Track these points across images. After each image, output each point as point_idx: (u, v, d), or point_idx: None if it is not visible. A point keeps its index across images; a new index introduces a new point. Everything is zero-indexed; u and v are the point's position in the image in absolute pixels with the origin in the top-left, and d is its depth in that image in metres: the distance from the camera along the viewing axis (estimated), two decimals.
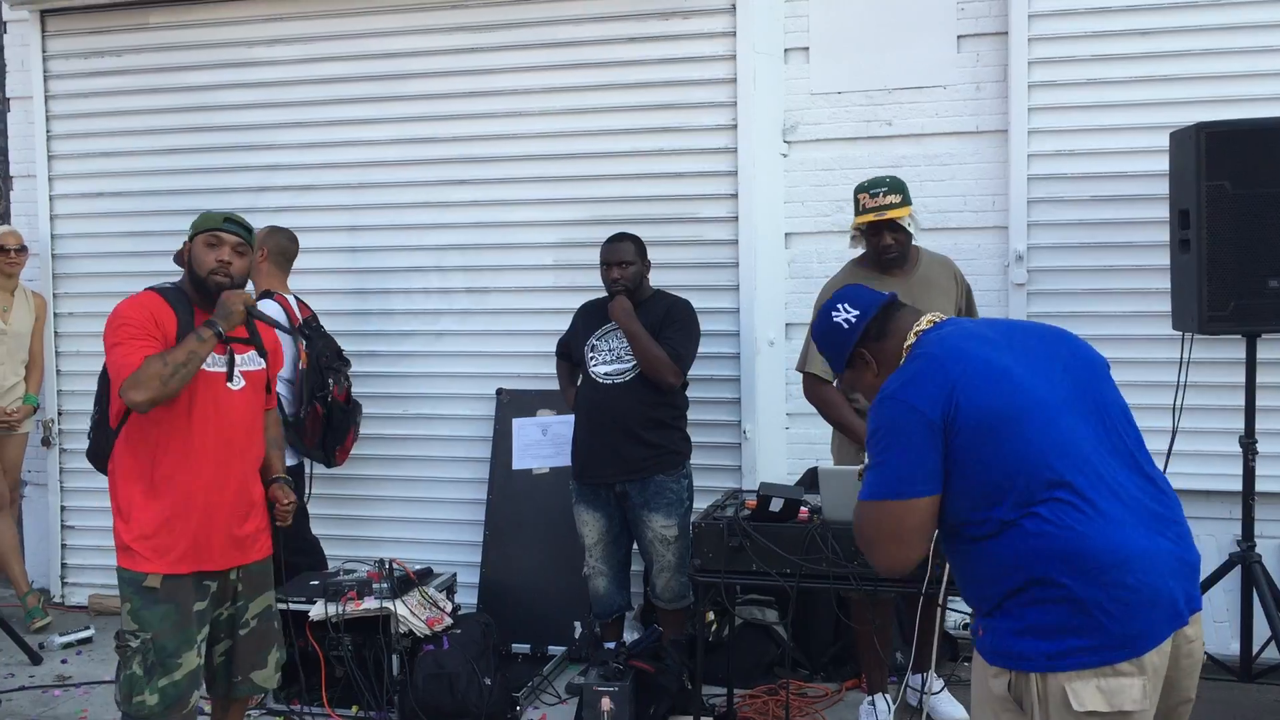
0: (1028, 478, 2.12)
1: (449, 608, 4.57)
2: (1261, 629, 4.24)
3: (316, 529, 5.04)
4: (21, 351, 5.68)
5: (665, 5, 5.19)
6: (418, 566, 4.66)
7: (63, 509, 6.07)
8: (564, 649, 5.01)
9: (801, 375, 4.24)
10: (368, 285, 5.62)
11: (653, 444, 4.43)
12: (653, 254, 4.66)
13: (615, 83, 5.27)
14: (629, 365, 4.46)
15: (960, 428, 2.14)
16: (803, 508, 3.69)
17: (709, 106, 5.18)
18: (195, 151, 5.79)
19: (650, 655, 4.24)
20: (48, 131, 6.01)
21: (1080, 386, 2.25)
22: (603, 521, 4.54)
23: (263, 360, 3.50)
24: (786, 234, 5.27)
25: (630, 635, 4.73)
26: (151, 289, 3.38)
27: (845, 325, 2.43)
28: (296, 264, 5.01)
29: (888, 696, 4.19)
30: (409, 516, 5.60)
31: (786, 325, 5.26)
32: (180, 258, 3.43)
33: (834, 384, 4.14)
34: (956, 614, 4.07)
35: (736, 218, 5.13)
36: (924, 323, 2.37)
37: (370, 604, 4.30)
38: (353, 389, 4.99)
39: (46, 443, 6.01)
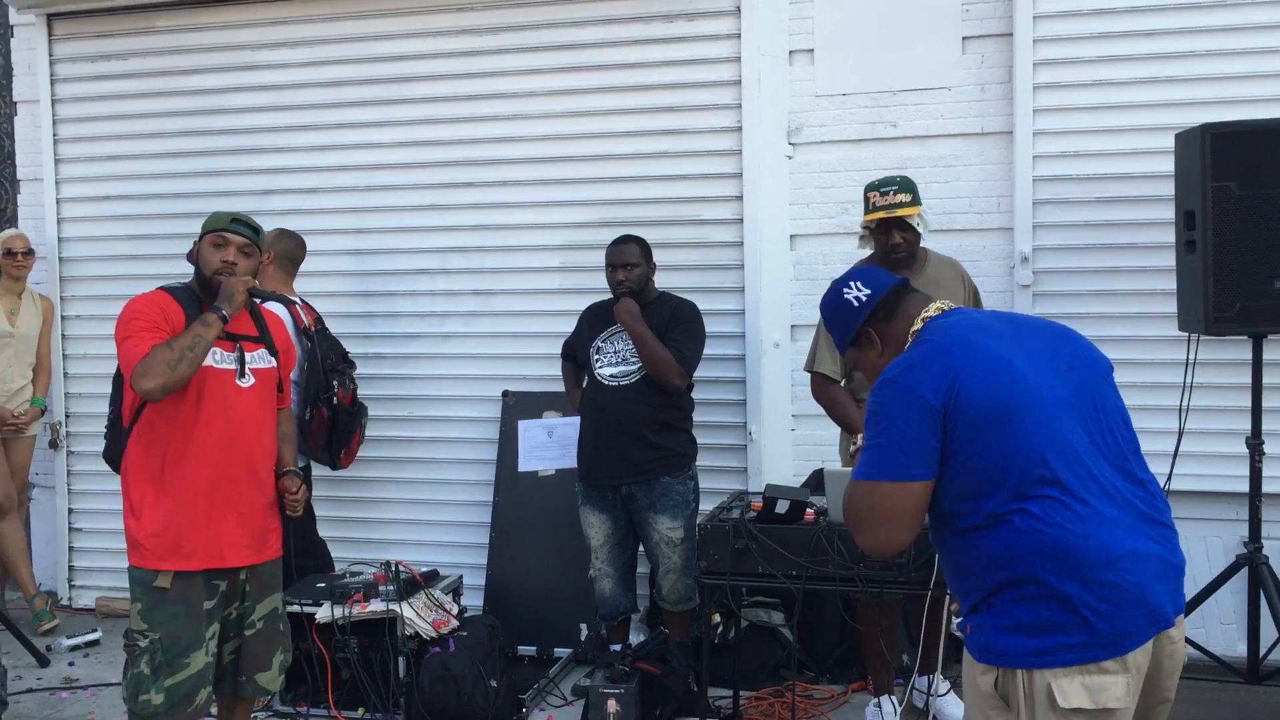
0: (1021, 472, 2.13)
1: (455, 610, 4.57)
2: (1269, 631, 4.23)
3: (323, 531, 5.05)
4: (29, 354, 5.69)
5: (670, 8, 5.20)
6: (424, 569, 4.66)
7: (70, 511, 6.09)
8: (570, 651, 5.02)
9: (809, 375, 4.24)
10: (373, 287, 5.63)
11: (658, 446, 4.43)
12: (658, 256, 4.66)
13: (620, 85, 5.27)
14: (634, 367, 4.46)
15: (959, 417, 2.15)
16: (808, 510, 3.69)
17: (714, 109, 5.18)
18: (201, 154, 5.81)
19: (656, 657, 4.24)
20: (54, 135, 6.03)
21: (1081, 386, 2.25)
22: (608, 523, 4.55)
23: (274, 359, 3.51)
24: (791, 236, 5.26)
25: (636, 637, 4.73)
26: (161, 288, 3.43)
27: (855, 303, 2.45)
28: (302, 266, 5.03)
29: (894, 698, 4.19)
30: (415, 519, 5.61)
31: (792, 327, 5.26)
32: (192, 255, 3.46)
33: (841, 384, 4.15)
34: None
35: (741, 220, 5.14)
36: (932, 310, 2.38)
37: (376, 606, 4.31)
38: (358, 391, 5.00)
39: (54, 445, 6.03)
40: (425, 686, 4.22)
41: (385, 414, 5.48)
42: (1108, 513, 2.14)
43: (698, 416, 4.68)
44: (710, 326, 4.66)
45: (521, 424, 5.25)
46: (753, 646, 4.67)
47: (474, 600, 5.15)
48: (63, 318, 6.02)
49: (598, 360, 4.56)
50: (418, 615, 4.34)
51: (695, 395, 4.66)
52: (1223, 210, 4.04)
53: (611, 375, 4.50)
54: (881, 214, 4.02)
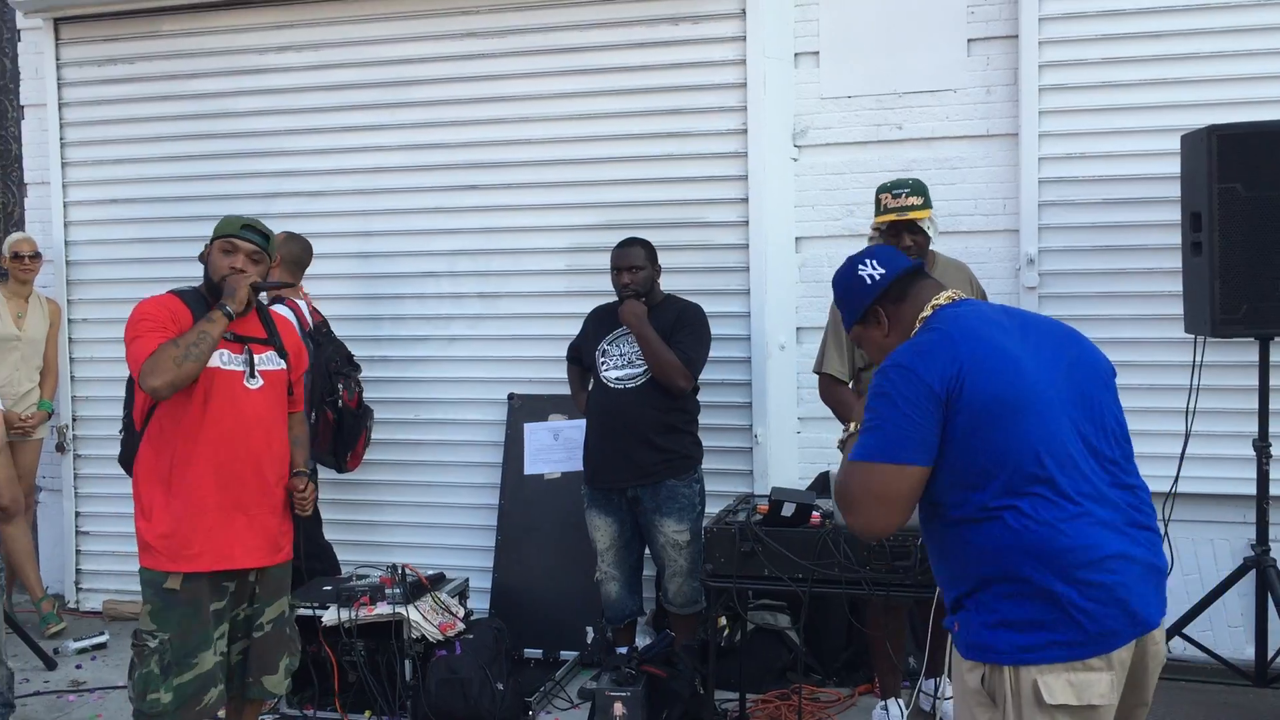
0: (1015, 468, 2.15)
1: (461, 613, 4.58)
2: (1276, 633, 4.23)
3: (329, 534, 5.06)
4: (36, 358, 5.71)
5: (675, 10, 5.20)
6: (430, 572, 4.67)
7: (77, 515, 6.10)
8: (576, 654, 5.02)
9: (817, 377, 4.23)
10: (379, 290, 5.64)
11: (664, 449, 4.43)
12: (663, 258, 4.66)
13: (625, 88, 5.28)
14: (640, 370, 4.46)
15: (961, 407, 2.17)
16: (815, 512, 3.69)
17: (719, 111, 5.18)
18: (207, 158, 5.82)
19: (662, 660, 4.24)
20: (61, 139, 6.05)
21: (1080, 388, 2.27)
22: (615, 526, 4.55)
23: (283, 361, 3.52)
24: (797, 238, 5.26)
25: (642, 640, 4.73)
26: (171, 291, 3.45)
27: (869, 280, 2.46)
28: (308, 269, 5.03)
29: (901, 701, 4.19)
30: (421, 522, 5.62)
31: (797, 329, 5.25)
32: (204, 256, 3.48)
33: (849, 386, 4.14)
34: None
35: (747, 222, 5.14)
36: (943, 298, 2.39)
37: (383, 609, 4.31)
38: (364, 394, 5.01)
39: (61, 448, 6.04)
40: (431, 689, 4.23)
41: (391, 417, 5.48)
42: (1097, 514, 2.16)
43: (703, 419, 4.68)
44: (715, 329, 4.66)
45: (527, 427, 5.25)
46: (759, 649, 4.67)
47: (480, 603, 5.16)
48: (69, 321, 6.04)
49: (603, 363, 4.56)
50: (424, 618, 4.35)
51: (701, 398, 4.66)
52: (1229, 212, 4.03)
53: (617, 378, 4.50)
54: (893, 216, 4.02)
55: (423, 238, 5.57)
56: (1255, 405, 4.26)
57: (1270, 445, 4.25)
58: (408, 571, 4.47)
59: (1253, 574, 4.27)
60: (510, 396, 5.42)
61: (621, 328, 4.52)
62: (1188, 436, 4.27)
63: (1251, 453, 4.28)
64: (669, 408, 4.46)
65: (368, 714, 4.35)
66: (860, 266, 2.48)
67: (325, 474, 4.92)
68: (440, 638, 4.36)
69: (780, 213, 5.18)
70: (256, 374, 3.41)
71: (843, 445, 2.32)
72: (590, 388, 4.67)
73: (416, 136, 5.55)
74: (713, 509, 4.41)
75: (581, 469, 4.66)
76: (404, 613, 4.30)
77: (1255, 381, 4.27)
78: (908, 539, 3.50)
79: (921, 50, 5.04)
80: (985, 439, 2.16)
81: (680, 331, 4.47)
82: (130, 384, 3.41)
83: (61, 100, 6.04)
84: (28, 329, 5.66)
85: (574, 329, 4.85)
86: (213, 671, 3.33)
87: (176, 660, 3.27)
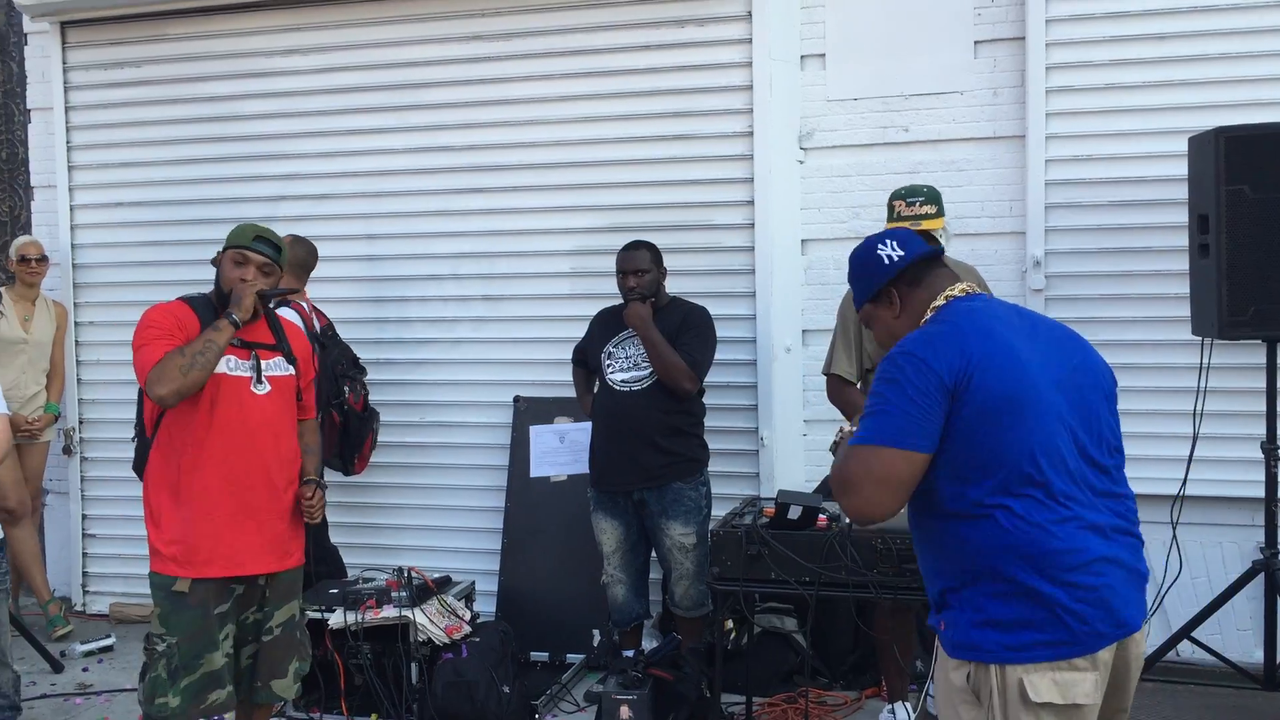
0: (1011, 468, 2.17)
1: (467, 616, 4.58)
2: None
3: (335, 538, 5.06)
4: (43, 360, 5.72)
5: (681, 13, 5.20)
6: (436, 575, 4.67)
7: (84, 518, 6.11)
8: (582, 657, 5.02)
9: (826, 378, 4.22)
10: (385, 293, 5.64)
11: (670, 451, 4.42)
12: (669, 261, 4.66)
13: (631, 90, 5.28)
14: (646, 372, 4.46)
15: (968, 400, 2.18)
16: (821, 515, 3.68)
17: (725, 114, 5.18)
18: (213, 161, 5.83)
19: (669, 663, 4.24)
20: (68, 142, 6.07)
21: (1081, 395, 2.29)
22: (621, 529, 4.54)
23: (291, 367, 3.52)
24: (803, 240, 5.25)
25: (648, 643, 4.73)
26: (180, 298, 3.46)
27: (887, 260, 2.46)
28: (314, 272, 5.04)
29: (908, 705, 4.17)
30: (427, 525, 5.62)
31: (803, 332, 5.25)
32: (217, 261, 3.49)
33: (857, 386, 4.14)
34: None
35: (752, 224, 5.13)
36: (958, 290, 2.40)
37: (389, 612, 4.31)
38: (370, 397, 5.02)
39: (68, 451, 6.05)
40: (438, 692, 4.23)
41: (397, 420, 5.48)
42: (1087, 519, 2.20)
43: (709, 422, 4.67)
44: (721, 331, 4.66)
45: (533, 429, 5.25)
46: (766, 652, 4.66)
47: (486, 606, 5.15)
48: (76, 324, 6.05)
49: (609, 365, 4.55)
50: (430, 621, 4.35)
51: (707, 401, 4.65)
52: (1236, 214, 4.02)
53: (623, 380, 4.50)
54: (906, 224, 4.00)
55: (428, 240, 5.57)
56: (1263, 408, 4.25)
57: (1278, 448, 4.23)
58: (414, 574, 4.47)
59: (1261, 577, 4.26)
60: (516, 399, 5.42)
61: (627, 330, 4.52)
62: (1195, 439, 4.25)
63: (1260, 455, 4.26)
64: (675, 410, 4.45)
65: (374, 717, 4.35)
66: (880, 246, 2.49)
67: (331, 476, 4.92)
68: (446, 641, 4.36)
69: (786, 215, 5.18)
70: (263, 379, 3.41)
71: (835, 449, 2.32)
72: (596, 390, 4.67)
73: (422, 139, 5.55)
74: (719, 512, 4.39)
75: (587, 472, 4.66)
76: (410, 616, 4.30)
77: (1263, 384, 4.26)
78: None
79: (928, 52, 5.04)
80: (986, 435, 2.18)
81: (686, 334, 4.47)
82: (141, 390, 3.42)
83: (68, 104, 6.05)
84: (34, 332, 5.67)
85: (579, 331, 4.84)
86: (218, 672, 3.33)
87: (184, 664, 3.28)
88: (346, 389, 4.83)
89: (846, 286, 4.29)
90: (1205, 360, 4.25)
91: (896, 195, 4.09)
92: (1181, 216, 4.43)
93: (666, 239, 4.82)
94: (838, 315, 4.22)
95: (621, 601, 4.61)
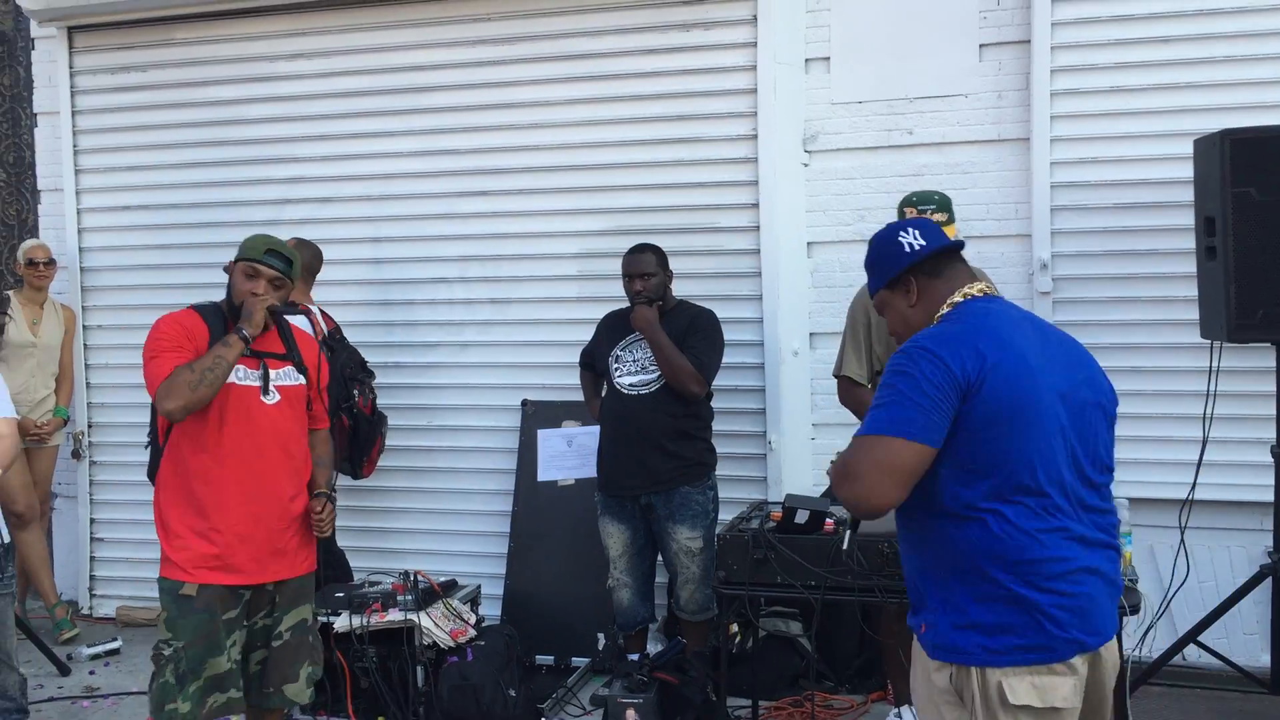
0: (1008, 475, 2.19)
1: (473, 619, 4.58)
2: None
3: (342, 541, 5.07)
4: (51, 364, 5.73)
5: (686, 17, 5.20)
6: (442, 578, 4.67)
7: (92, 521, 6.12)
8: (588, 661, 5.01)
9: (836, 380, 4.21)
10: (391, 296, 5.65)
11: (678, 455, 4.42)
12: (675, 264, 4.65)
13: (636, 94, 5.28)
14: (654, 376, 4.45)
15: (977, 401, 2.19)
16: (828, 519, 3.68)
17: (730, 117, 5.18)
18: (219, 165, 5.84)
19: (674, 667, 4.23)
20: (75, 146, 6.08)
21: (1082, 411, 2.30)
22: (627, 533, 4.54)
23: (302, 376, 3.52)
24: (809, 243, 5.25)
25: (654, 647, 4.72)
26: (191, 306, 3.46)
27: (908, 248, 2.45)
28: (320, 276, 5.05)
29: (914, 709, 4.15)
30: (434, 528, 5.62)
31: (811, 335, 5.25)
32: (229, 269, 3.49)
33: (869, 388, 4.13)
34: None
35: (758, 227, 5.13)
36: (976, 289, 2.40)
37: (394, 616, 4.32)
38: (378, 400, 5.02)
39: (76, 455, 6.06)
40: (444, 696, 4.23)
41: (404, 423, 5.49)
42: (1073, 530, 2.23)
43: (717, 426, 4.67)
44: (729, 335, 4.65)
45: (541, 433, 5.24)
46: (771, 656, 4.66)
47: (492, 609, 5.15)
48: (84, 327, 6.07)
49: (617, 369, 4.55)
50: (435, 625, 4.35)
51: (714, 404, 4.65)
52: (1243, 216, 4.01)
53: (631, 384, 4.50)
54: None
55: (434, 244, 5.58)
56: (1273, 411, 4.23)
57: None
58: (420, 578, 4.47)
59: (1269, 581, 4.24)
60: (523, 403, 5.42)
61: (634, 334, 4.51)
62: (1204, 443, 4.24)
63: (1269, 459, 4.25)
64: (682, 414, 4.45)
65: None
66: (902, 234, 2.48)
67: (340, 480, 4.92)
68: (452, 644, 4.36)
69: (791, 218, 5.18)
70: (272, 389, 3.41)
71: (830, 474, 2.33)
72: (604, 394, 4.67)
73: (428, 143, 5.56)
74: (726, 516, 4.40)
75: (595, 475, 4.66)
76: (416, 619, 4.30)
77: (1273, 387, 4.24)
78: None
79: (932, 55, 5.03)
80: (989, 440, 2.19)
81: (693, 337, 4.46)
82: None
83: (75, 108, 6.07)
84: (43, 335, 5.69)
85: (587, 335, 4.84)
86: (223, 676, 3.33)
87: (191, 669, 3.28)
88: (356, 392, 4.84)
89: (853, 289, 4.33)
90: (1214, 364, 4.24)
91: (908, 201, 4.09)
92: (1188, 219, 4.42)
93: (672, 242, 4.82)
94: (847, 317, 4.21)
95: (627, 605, 4.60)
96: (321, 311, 4.90)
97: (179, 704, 3.27)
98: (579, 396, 4.92)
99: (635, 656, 4.49)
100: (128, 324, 5.84)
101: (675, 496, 4.41)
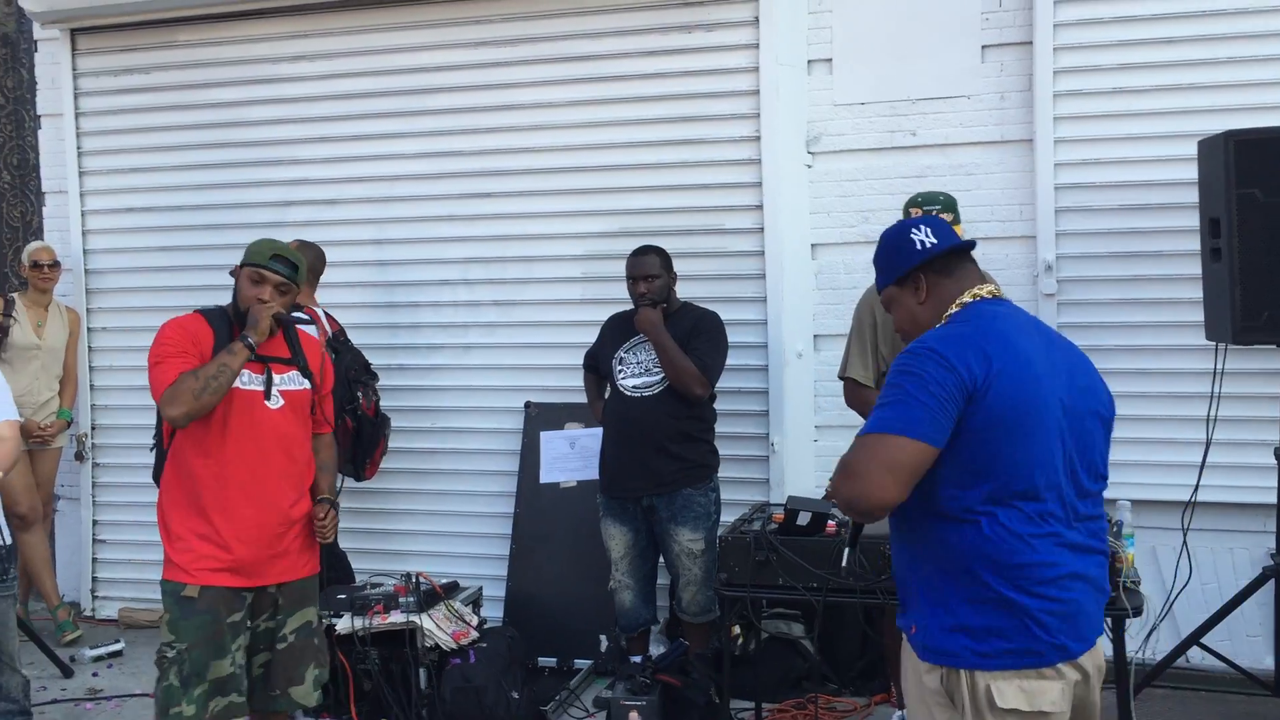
0: (1006, 479, 2.20)
1: (475, 621, 4.57)
2: None
3: (344, 543, 5.06)
4: (56, 366, 5.74)
5: (688, 19, 5.20)
6: (444, 580, 4.67)
7: (95, 523, 6.13)
8: (590, 663, 5.01)
9: (842, 382, 4.20)
10: (395, 299, 5.65)
11: (681, 457, 4.42)
12: (678, 266, 4.65)
13: (639, 96, 5.28)
14: (657, 378, 4.45)
15: (983, 404, 2.19)
16: (830, 521, 3.67)
17: (733, 118, 5.18)
18: (222, 166, 5.85)
19: (677, 669, 4.23)
20: (78, 148, 6.09)
21: (1081, 419, 2.31)
22: (629, 535, 4.54)
23: (306, 381, 3.51)
24: (813, 245, 5.25)
25: (656, 649, 4.71)
26: (197, 310, 3.46)
27: (919, 245, 2.45)
28: (323, 278, 5.05)
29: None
30: (436, 530, 5.62)
31: (815, 337, 5.24)
32: (235, 273, 3.49)
33: (874, 389, 4.12)
34: None
35: (762, 229, 5.13)
36: (984, 291, 2.40)
37: (396, 618, 4.31)
38: (381, 402, 5.02)
39: (80, 457, 6.07)
40: (446, 698, 4.23)
41: (407, 425, 5.49)
42: (1065, 536, 2.25)
43: (720, 427, 4.66)
44: (732, 336, 4.65)
45: (543, 435, 5.24)
46: (773, 658, 4.65)
47: (494, 611, 5.15)
48: (88, 330, 6.07)
49: (620, 371, 4.55)
50: (437, 627, 4.35)
51: (717, 406, 4.65)
52: (1248, 217, 4.00)
53: (634, 386, 4.50)
54: None
55: (437, 246, 5.58)
56: (1277, 413, 4.23)
57: None
58: (422, 580, 4.47)
59: (1272, 583, 4.23)
60: (526, 405, 5.42)
61: (638, 336, 4.51)
62: (1209, 445, 4.23)
63: (1273, 461, 4.23)
64: (686, 416, 4.45)
65: None
66: (913, 231, 2.48)
67: (342, 482, 4.93)
68: (454, 646, 4.35)
69: (795, 219, 5.17)
70: (275, 394, 3.41)
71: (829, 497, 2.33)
72: (607, 396, 4.67)
73: (430, 145, 5.56)
74: (728, 518, 4.39)
75: (597, 478, 4.65)
76: (418, 621, 4.30)
77: (1277, 389, 4.23)
78: None
79: (935, 57, 5.03)
80: (990, 443, 2.19)
81: (697, 339, 4.46)
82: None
83: (78, 110, 6.08)
84: (47, 338, 5.69)
85: (590, 337, 4.84)
86: (226, 679, 3.33)
87: (195, 671, 3.28)
88: (359, 394, 4.84)
89: (858, 291, 4.33)
90: (1219, 365, 4.23)
91: (913, 202, 4.08)
92: (1193, 220, 4.41)
93: (676, 243, 4.82)
94: (853, 318, 4.20)
95: (629, 607, 4.60)
96: (326, 313, 4.90)
97: (183, 707, 3.27)
98: (582, 398, 4.92)
99: (638, 658, 4.48)
100: (132, 326, 5.85)
101: (677, 498, 4.41)
